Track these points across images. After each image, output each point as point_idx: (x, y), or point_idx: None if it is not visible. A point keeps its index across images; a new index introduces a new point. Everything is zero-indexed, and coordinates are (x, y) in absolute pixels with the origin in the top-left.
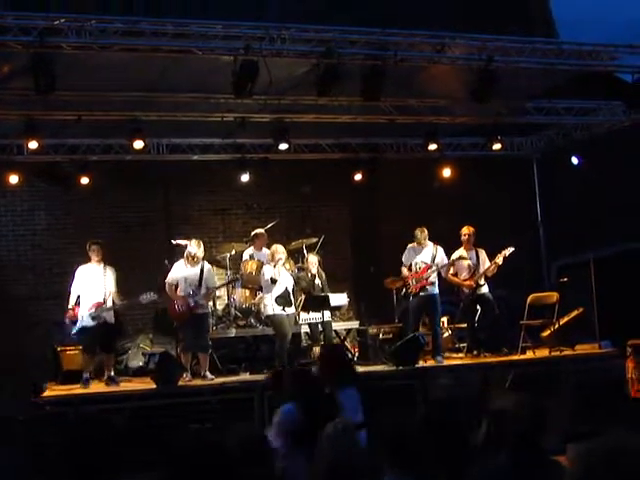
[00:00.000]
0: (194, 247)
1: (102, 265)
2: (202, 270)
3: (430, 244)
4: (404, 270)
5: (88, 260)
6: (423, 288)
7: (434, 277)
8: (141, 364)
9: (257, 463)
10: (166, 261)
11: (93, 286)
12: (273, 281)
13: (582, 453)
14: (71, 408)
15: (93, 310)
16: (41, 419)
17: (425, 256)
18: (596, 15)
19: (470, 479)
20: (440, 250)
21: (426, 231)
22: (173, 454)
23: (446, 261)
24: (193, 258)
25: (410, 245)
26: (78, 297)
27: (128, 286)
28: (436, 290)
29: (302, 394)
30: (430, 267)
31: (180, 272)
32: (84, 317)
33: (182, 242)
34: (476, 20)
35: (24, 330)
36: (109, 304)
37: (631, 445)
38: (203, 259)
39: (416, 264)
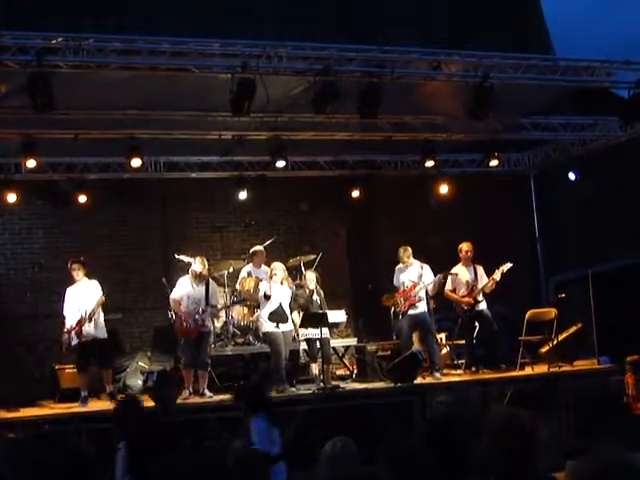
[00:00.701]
0: (198, 265)
1: (84, 281)
2: (207, 288)
3: (416, 263)
4: (396, 283)
5: (74, 280)
6: (412, 306)
7: (422, 294)
8: (139, 382)
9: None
10: (164, 279)
11: (76, 305)
12: (266, 297)
13: (580, 469)
14: (70, 426)
15: (77, 328)
16: (40, 437)
17: (411, 275)
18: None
19: None
20: (426, 268)
21: (409, 250)
22: (172, 472)
23: (432, 278)
24: (198, 276)
25: (397, 267)
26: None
27: (124, 303)
28: (425, 308)
29: (130, 423)
30: (417, 285)
31: (185, 289)
32: (73, 337)
33: (185, 259)
34: (472, 37)
35: (23, 349)
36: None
37: (628, 461)
38: (208, 277)
39: (403, 283)
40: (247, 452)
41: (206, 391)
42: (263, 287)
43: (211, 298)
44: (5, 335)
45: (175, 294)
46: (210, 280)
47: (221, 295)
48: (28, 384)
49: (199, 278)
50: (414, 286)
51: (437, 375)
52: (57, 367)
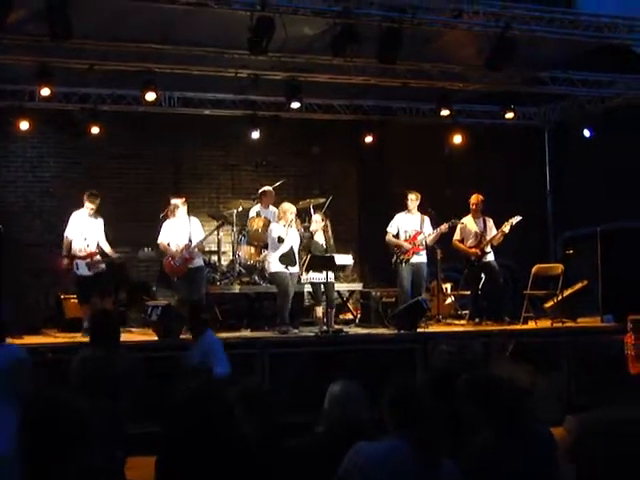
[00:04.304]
0: (176, 200)
1: (95, 215)
2: (190, 225)
3: (418, 212)
4: (389, 237)
5: (82, 206)
6: (416, 254)
7: (423, 245)
8: (143, 315)
9: (257, 414)
10: (161, 217)
11: (87, 235)
12: (280, 240)
13: (579, 424)
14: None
15: (89, 260)
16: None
17: (414, 223)
18: None
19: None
20: (427, 219)
21: (419, 197)
22: (174, 404)
23: (431, 230)
24: (174, 211)
25: (398, 214)
26: (70, 242)
27: (131, 239)
28: (425, 257)
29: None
30: (420, 233)
31: (168, 228)
32: (79, 266)
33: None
34: None
35: (30, 277)
36: (104, 253)
37: (627, 418)
38: (189, 214)
39: (406, 232)
40: (251, 388)
41: None
42: (277, 230)
43: (193, 234)
44: (12, 262)
45: (160, 238)
46: (192, 217)
47: (229, 233)
48: (33, 312)
49: (175, 213)
50: (418, 234)
51: None
52: (62, 296)
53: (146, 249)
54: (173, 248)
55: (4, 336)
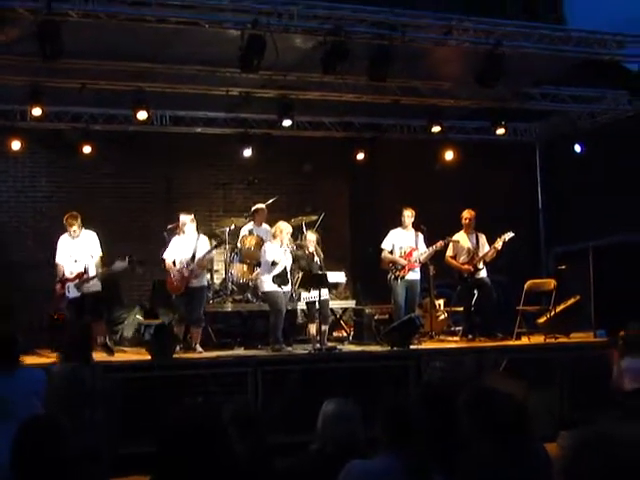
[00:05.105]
0: (185, 216)
1: (80, 233)
2: (197, 241)
3: (412, 229)
4: (385, 253)
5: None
6: (412, 271)
7: (418, 262)
8: (136, 335)
9: (250, 434)
10: (165, 233)
11: (76, 257)
12: (274, 263)
13: (573, 440)
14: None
15: (77, 281)
16: None
17: (409, 239)
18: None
19: (459, 464)
20: (421, 236)
21: (413, 214)
22: (166, 425)
23: (425, 248)
24: (183, 228)
25: (393, 230)
26: (61, 268)
27: (124, 256)
28: (419, 275)
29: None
30: (415, 250)
31: (176, 245)
32: (70, 289)
33: (176, 224)
34: (484, 4)
35: (22, 297)
36: (91, 273)
37: (621, 434)
38: (198, 231)
39: (401, 248)
40: (244, 408)
41: (198, 346)
42: (272, 253)
43: (197, 250)
44: (4, 283)
45: (167, 254)
46: (201, 234)
47: (221, 252)
48: (26, 332)
49: (185, 230)
50: (413, 250)
51: None
52: (55, 317)
53: (117, 262)
54: (178, 265)
55: (18, 356)
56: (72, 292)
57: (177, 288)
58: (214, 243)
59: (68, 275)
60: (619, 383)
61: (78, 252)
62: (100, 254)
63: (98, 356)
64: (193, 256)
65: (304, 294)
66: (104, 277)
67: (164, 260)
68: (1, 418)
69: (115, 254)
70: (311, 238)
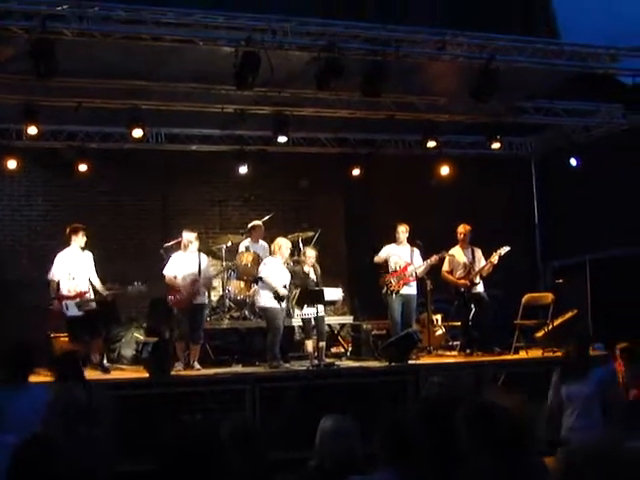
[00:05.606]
0: (189, 234)
1: (83, 251)
2: (200, 259)
3: (407, 244)
4: (376, 259)
5: (67, 245)
6: (406, 285)
7: (413, 276)
8: (134, 353)
9: (248, 453)
10: (162, 251)
11: (75, 274)
12: (280, 298)
13: (572, 455)
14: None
15: (78, 300)
16: None
17: (404, 254)
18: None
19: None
20: (417, 251)
21: (408, 229)
22: (164, 443)
23: (421, 262)
24: (187, 245)
25: (388, 245)
26: (58, 284)
27: (121, 274)
28: (415, 289)
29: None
30: (410, 265)
31: (178, 262)
32: (69, 306)
33: (173, 241)
34: (477, 18)
35: (18, 316)
36: (92, 295)
37: (621, 448)
38: (199, 250)
39: (396, 263)
40: (242, 425)
41: (196, 364)
42: (273, 269)
43: (205, 270)
44: (0, 301)
45: (168, 270)
46: (202, 253)
47: (218, 269)
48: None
49: (190, 247)
50: (408, 265)
51: None
52: (52, 335)
53: (136, 283)
54: (181, 281)
55: (27, 372)
56: (71, 310)
57: (182, 303)
58: (221, 266)
59: (65, 292)
60: (624, 393)
61: (77, 269)
62: (95, 274)
63: (94, 374)
64: (198, 273)
65: (297, 311)
66: (109, 297)
67: (164, 276)
68: None
69: (112, 272)
70: (310, 254)
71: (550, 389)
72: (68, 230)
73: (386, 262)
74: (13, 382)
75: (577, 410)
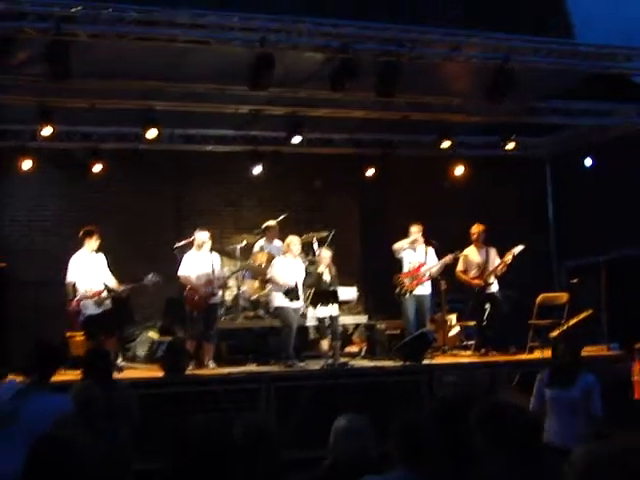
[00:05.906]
0: (203, 234)
1: (96, 253)
2: (213, 259)
3: (422, 244)
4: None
5: (81, 247)
6: (420, 285)
7: (427, 276)
8: (149, 352)
9: (262, 452)
10: (175, 251)
11: (91, 275)
12: (292, 296)
13: (587, 455)
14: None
15: (97, 298)
16: None
17: (419, 254)
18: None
19: (472, 479)
20: (431, 251)
21: (421, 229)
22: (179, 441)
23: (436, 261)
24: (202, 245)
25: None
26: (74, 286)
27: (135, 275)
28: (430, 289)
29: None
30: (423, 265)
31: (192, 261)
32: (88, 306)
33: (184, 241)
34: (491, 19)
35: (33, 315)
36: (108, 292)
37: (637, 447)
38: (211, 250)
39: (410, 263)
40: (256, 424)
41: (211, 362)
42: (279, 269)
43: (217, 269)
44: (15, 301)
45: (183, 270)
46: (214, 253)
47: (233, 269)
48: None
49: (203, 247)
50: (421, 265)
51: None
52: (68, 334)
53: (150, 275)
54: (195, 280)
55: (49, 376)
56: (90, 309)
57: (200, 305)
58: (238, 266)
59: (84, 292)
60: None
61: (93, 270)
62: (109, 274)
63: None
64: (212, 273)
65: (311, 311)
66: (124, 293)
67: (179, 277)
68: (6, 427)
69: (126, 272)
70: (325, 255)
71: (534, 391)
72: (81, 233)
73: (400, 262)
74: (38, 383)
75: (560, 415)
